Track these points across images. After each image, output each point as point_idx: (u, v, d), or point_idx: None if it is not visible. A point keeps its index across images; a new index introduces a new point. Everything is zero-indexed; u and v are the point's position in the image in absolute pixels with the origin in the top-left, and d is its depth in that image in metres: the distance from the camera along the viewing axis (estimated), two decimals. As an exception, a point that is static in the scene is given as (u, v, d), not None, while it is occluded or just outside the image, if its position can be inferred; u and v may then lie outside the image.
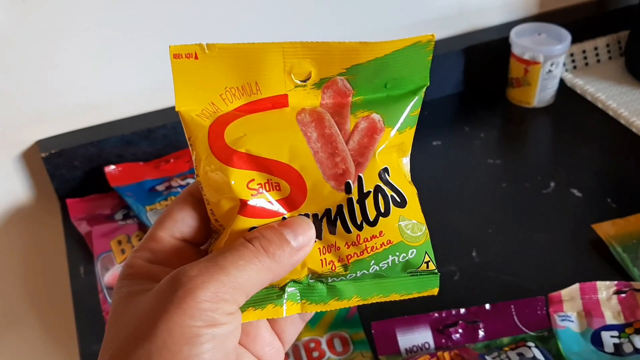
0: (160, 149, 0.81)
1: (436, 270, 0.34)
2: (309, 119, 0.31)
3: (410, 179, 0.33)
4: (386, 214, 0.31)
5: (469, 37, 0.93)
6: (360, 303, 0.33)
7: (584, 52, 0.95)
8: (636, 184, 0.77)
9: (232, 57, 0.30)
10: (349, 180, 0.31)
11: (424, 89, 0.33)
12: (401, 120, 0.32)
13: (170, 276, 0.28)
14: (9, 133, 0.76)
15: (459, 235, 0.71)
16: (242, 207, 0.30)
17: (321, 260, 0.32)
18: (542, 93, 0.89)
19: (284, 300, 0.32)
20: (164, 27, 0.75)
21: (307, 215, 0.31)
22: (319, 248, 0.32)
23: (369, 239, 0.32)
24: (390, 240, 0.32)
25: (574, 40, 0.90)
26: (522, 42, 0.86)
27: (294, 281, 0.32)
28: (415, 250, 0.33)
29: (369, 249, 0.32)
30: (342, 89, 0.32)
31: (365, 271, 0.32)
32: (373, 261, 0.32)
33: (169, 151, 0.81)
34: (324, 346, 0.60)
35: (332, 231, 0.31)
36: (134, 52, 0.76)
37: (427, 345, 0.58)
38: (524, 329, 0.59)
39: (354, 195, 0.31)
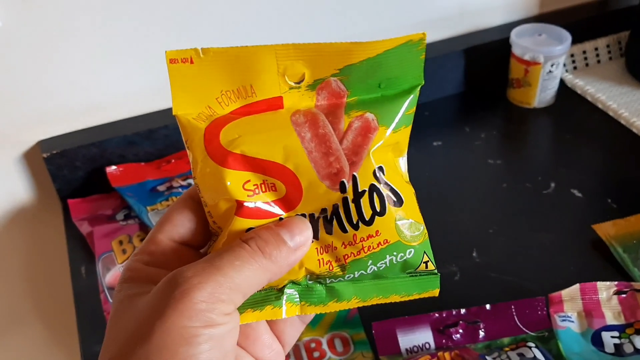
0: (162, 149, 0.81)
1: (436, 271, 0.34)
2: (303, 120, 0.31)
3: (407, 179, 0.33)
4: (382, 213, 0.31)
5: (470, 37, 0.93)
6: (360, 305, 0.33)
7: (584, 52, 0.95)
8: (636, 185, 0.77)
9: (226, 61, 0.30)
10: (344, 180, 0.31)
11: (418, 88, 0.33)
12: (396, 119, 0.32)
13: (167, 278, 0.28)
14: (11, 133, 0.76)
15: (459, 235, 0.71)
16: (239, 208, 0.30)
17: (318, 260, 0.32)
18: (542, 94, 0.89)
19: (283, 302, 0.32)
20: (165, 27, 0.75)
21: (304, 215, 0.31)
22: (316, 248, 0.32)
23: (366, 239, 0.32)
24: (387, 240, 0.32)
25: (575, 41, 0.90)
26: (522, 42, 0.86)
27: (293, 282, 0.32)
28: (413, 250, 0.32)
29: (365, 249, 0.32)
30: (336, 89, 0.32)
31: (363, 271, 0.32)
32: (370, 261, 0.32)
33: (171, 151, 0.81)
34: (325, 346, 0.60)
35: (329, 231, 0.31)
36: (135, 53, 0.76)
37: (427, 346, 0.58)
38: (524, 329, 0.59)
39: (349, 195, 0.31)
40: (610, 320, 0.59)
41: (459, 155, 0.85)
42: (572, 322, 0.59)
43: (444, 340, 0.58)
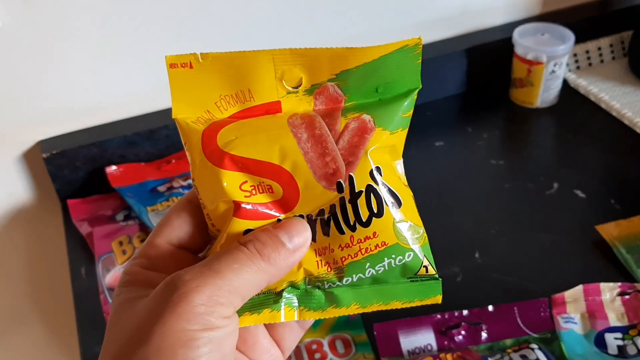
0: (162, 149, 0.81)
1: (437, 275, 0.33)
2: (299, 121, 0.31)
3: (406, 182, 0.33)
4: (379, 214, 0.31)
5: (472, 37, 0.93)
6: (360, 311, 0.33)
7: (587, 52, 0.95)
8: (640, 185, 0.76)
9: (225, 66, 0.31)
10: (340, 180, 0.31)
11: (416, 92, 0.32)
12: (393, 121, 0.32)
13: (165, 281, 0.28)
14: (11, 133, 0.76)
15: (461, 236, 0.71)
16: (237, 209, 0.30)
17: (317, 261, 0.32)
18: (545, 93, 0.88)
19: (281, 305, 0.32)
20: (165, 27, 0.75)
21: (301, 216, 0.31)
22: (314, 250, 0.32)
23: (363, 240, 0.31)
24: (385, 242, 0.31)
25: (578, 41, 0.90)
26: (525, 42, 0.86)
27: (292, 287, 0.32)
28: (412, 253, 0.32)
29: (363, 251, 0.31)
30: (334, 94, 0.32)
31: (361, 275, 0.32)
32: (368, 263, 0.32)
33: (171, 152, 0.81)
34: (326, 348, 0.60)
35: (326, 232, 0.31)
36: (136, 53, 0.76)
37: (429, 347, 0.58)
38: (527, 330, 0.59)
39: (346, 195, 0.31)
40: (613, 321, 0.59)
41: (461, 156, 0.84)
42: (575, 323, 0.59)
43: (446, 342, 0.58)
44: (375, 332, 0.59)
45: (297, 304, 0.32)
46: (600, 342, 0.57)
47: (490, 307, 0.60)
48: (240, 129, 0.31)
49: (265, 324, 0.33)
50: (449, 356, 0.55)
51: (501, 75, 0.92)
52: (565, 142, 0.85)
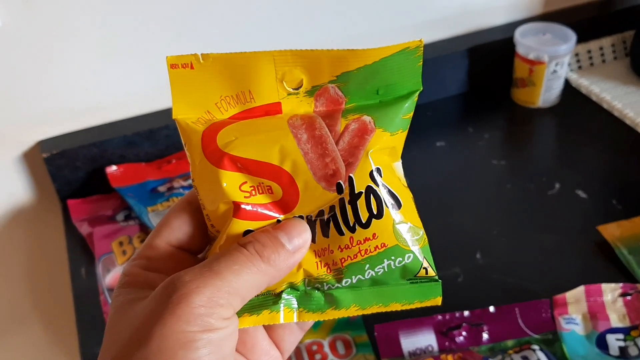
0: (163, 149, 0.80)
1: (437, 277, 0.33)
2: (300, 122, 0.31)
3: (405, 183, 0.33)
4: (379, 215, 0.31)
5: (473, 37, 0.93)
6: (359, 313, 0.33)
7: (589, 52, 0.95)
8: (642, 185, 0.76)
9: (225, 67, 0.31)
10: (340, 181, 0.31)
11: (416, 94, 0.32)
12: (393, 122, 0.32)
13: (165, 282, 0.28)
14: (11, 133, 0.76)
15: (462, 236, 0.71)
16: (236, 209, 0.30)
17: (316, 263, 0.32)
18: (547, 93, 0.88)
19: (281, 307, 0.31)
20: (165, 27, 0.75)
21: (301, 217, 0.31)
22: (314, 251, 0.32)
23: (362, 242, 0.31)
24: (384, 244, 0.31)
25: (579, 40, 0.90)
26: (526, 42, 0.85)
27: (291, 288, 0.32)
28: (412, 255, 0.32)
29: (362, 252, 0.31)
30: (334, 96, 0.32)
31: (360, 276, 0.32)
32: (368, 265, 0.32)
33: (171, 152, 0.81)
34: (327, 349, 0.59)
35: (325, 234, 0.31)
36: (136, 53, 0.76)
37: (430, 348, 0.58)
38: (528, 331, 0.58)
39: (346, 196, 0.31)
40: (615, 322, 0.58)
41: (462, 156, 0.84)
42: (577, 324, 0.59)
43: (447, 343, 0.58)
44: (376, 333, 0.59)
45: (296, 306, 0.32)
46: (601, 343, 0.57)
47: (491, 308, 0.60)
48: (240, 129, 0.31)
49: (264, 326, 0.33)
50: (449, 357, 0.55)
51: (502, 75, 0.92)
52: (567, 142, 0.85)
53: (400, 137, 0.32)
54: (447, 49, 0.90)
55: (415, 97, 0.32)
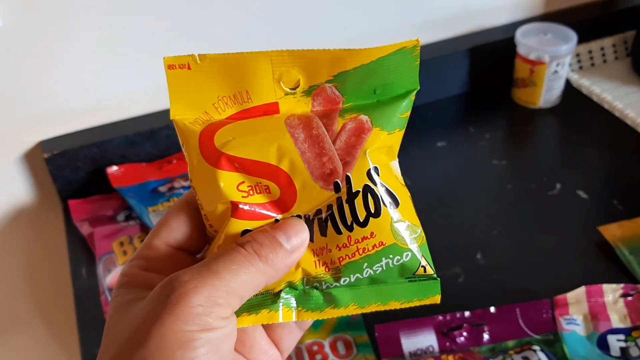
0: (163, 149, 0.80)
1: (435, 275, 0.33)
2: (297, 122, 0.31)
3: (402, 182, 0.33)
4: (377, 214, 0.31)
5: (474, 37, 0.93)
6: (358, 312, 0.33)
7: (590, 52, 0.94)
8: (643, 186, 0.76)
9: (223, 67, 0.31)
10: (338, 180, 0.31)
11: (414, 93, 0.33)
12: (390, 121, 0.32)
13: (163, 282, 0.28)
14: (11, 134, 0.76)
15: (463, 237, 0.71)
16: (234, 209, 0.30)
17: (314, 262, 0.32)
18: (547, 93, 0.88)
19: (279, 306, 0.31)
20: (166, 27, 0.75)
21: (299, 216, 0.31)
22: (312, 250, 0.32)
23: (360, 240, 0.31)
24: (382, 242, 0.31)
25: (580, 41, 0.89)
26: (527, 42, 0.85)
27: (290, 287, 0.32)
28: (410, 254, 0.32)
29: (360, 251, 0.31)
30: (332, 96, 0.32)
31: (359, 275, 0.32)
32: (366, 264, 0.32)
33: (172, 152, 0.81)
34: (327, 349, 0.59)
35: (323, 233, 0.31)
36: (136, 53, 0.75)
37: (431, 349, 0.58)
38: (529, 332, 0.58)
39: (343, 195, 0.31)
40: (616, 323, 0.58)
41: (463, 156, 0.84)
42: (578, 325, 0.58)
43: (447, 343, 0.58)
44: (376, 333, 0.59)
45: (295, 305, 0.32)
46: (602, 344, 0.57)
47: (492, 309, 0.59)
48: (237, 129, 0.31)
49: (263, 325, 0.33)
50: (450, 357, 0.55)
51: (503, 75, 0.92)
52: (568, 142, 0.85)
53: (398, 136, 0.32)
54: (448, 49, 0.90)
55: (412, 96, 0.32)
